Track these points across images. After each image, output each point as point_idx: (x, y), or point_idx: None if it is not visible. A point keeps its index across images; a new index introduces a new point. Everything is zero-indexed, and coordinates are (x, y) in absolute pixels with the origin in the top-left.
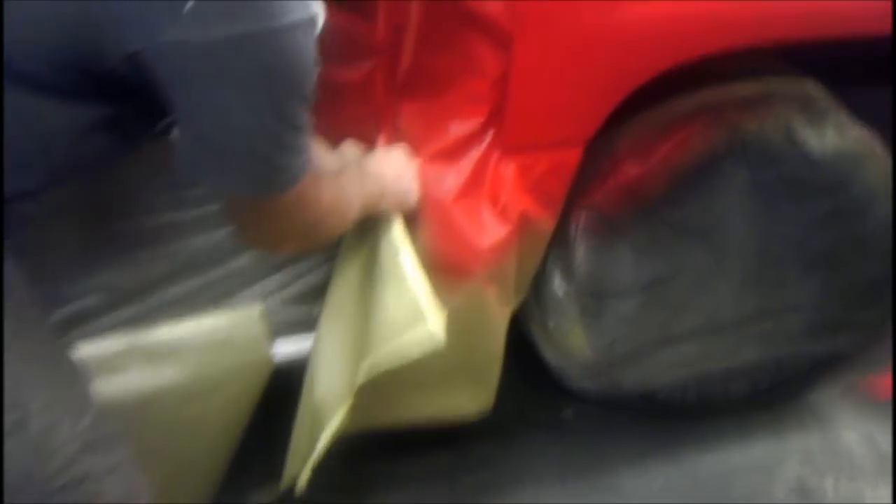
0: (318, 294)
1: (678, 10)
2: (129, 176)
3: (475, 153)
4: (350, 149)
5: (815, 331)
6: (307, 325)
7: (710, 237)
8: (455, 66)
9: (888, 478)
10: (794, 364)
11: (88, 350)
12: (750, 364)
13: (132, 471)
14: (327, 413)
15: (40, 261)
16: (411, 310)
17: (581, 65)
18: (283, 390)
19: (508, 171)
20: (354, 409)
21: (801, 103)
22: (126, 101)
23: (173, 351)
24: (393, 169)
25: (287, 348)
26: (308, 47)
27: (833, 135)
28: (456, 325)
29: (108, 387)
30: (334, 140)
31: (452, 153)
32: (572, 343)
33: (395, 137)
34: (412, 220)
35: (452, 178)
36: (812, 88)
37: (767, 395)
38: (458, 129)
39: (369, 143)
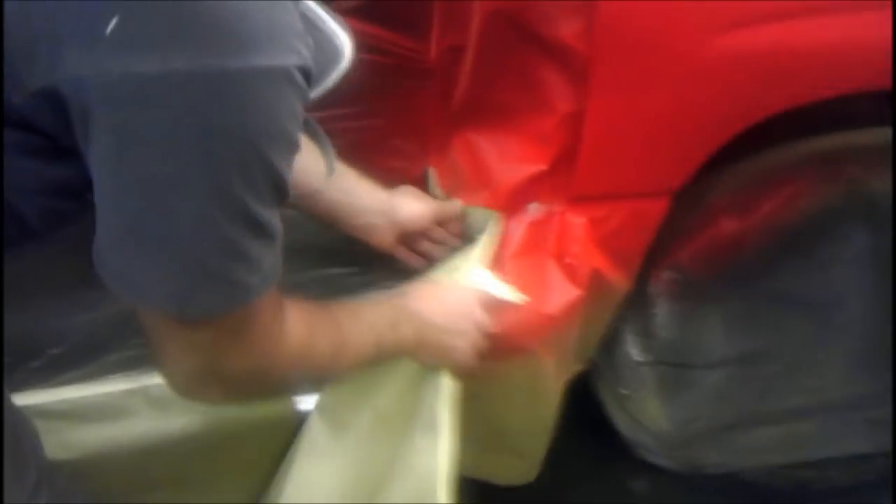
0: None
1: (807, 41)
2: None
3: (538, 202)
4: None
5: None
6: None
7: (818, 310)
8: (518, 97)
9: None
10: None
11: (89, 389)
12: (855, 454)
13: None
14: None
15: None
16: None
17: (674, 103)
18: None
19: (578, 223)
20: None
21: None
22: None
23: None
24: (448, 315)
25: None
26: (279, 107)
27: None
28: (503, 392)
29: (109, 432)
30: (376, 174)
31: (511, 200)
32: (647, 414)
33: (446, 172)
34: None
35: (511, 230)
36: None
37: (873, 491)
38: (520, 171)
39: (415, 174)
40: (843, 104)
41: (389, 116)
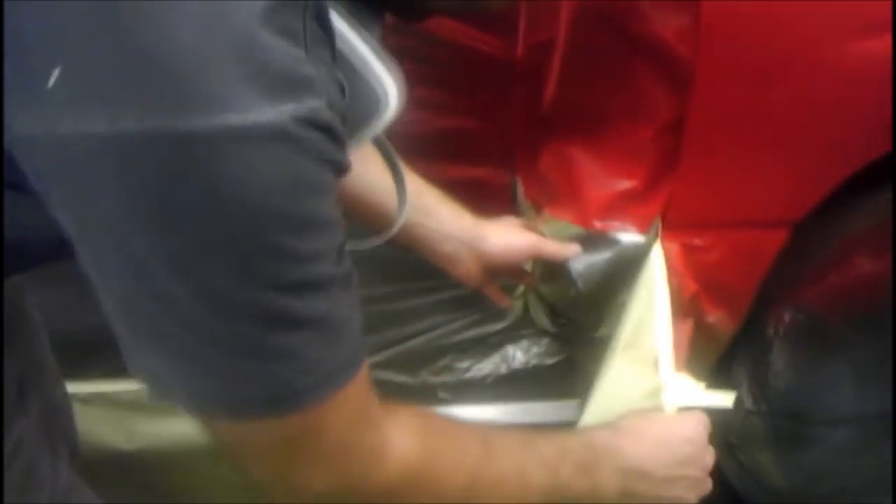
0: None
1: None
2: None
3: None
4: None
5: None
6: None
7: None
8: (611, 102)
9: None
10: None
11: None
12: None
13: None
14: None
15: None
16: None
17: (794, 116)
18: None
19: (673, 250)
20: None
21: None
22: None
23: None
24: (670, 461)
25: None
26: (270, 173)
27: None
28: None
29: (149, 429)
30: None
31: (601, 218)
32: (761, 467)
33: (534, 182)
34: None
35: None
36: None
37: None
38: (612, 186)
39: (501, 184)
40: None
41: (472, 117)
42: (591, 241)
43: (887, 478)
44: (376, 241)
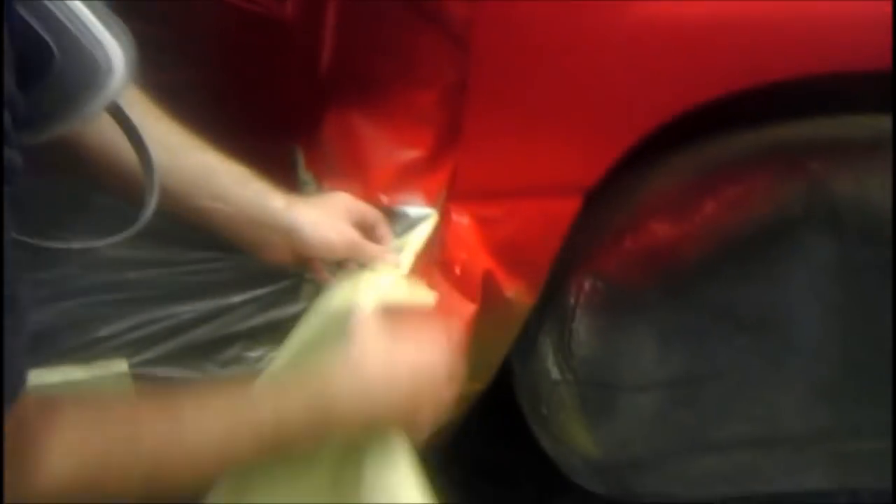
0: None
1: (757, 7)
2: None
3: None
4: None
5: None
6: None
7: (770, 329)
8: (390, 65)
9: None
10: (876, 500)
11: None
12: (813, 491)
13: None
14: None
15: None
16: None
17: (580, 79)
18: None
19: (465, 225)
20: None
21: None
22: None
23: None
24: (395, 403)
25: None
26: None
27: None
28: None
29: None
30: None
31: (388, 191)
32: (572, 436)
33: (316, 153)
34: None
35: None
36: None
37: None
38: (397, 156)
39: (280, 155)
40: (803, 87)
41: (244, 84)
42: None
43: (693, 440)
44: (125, 235)
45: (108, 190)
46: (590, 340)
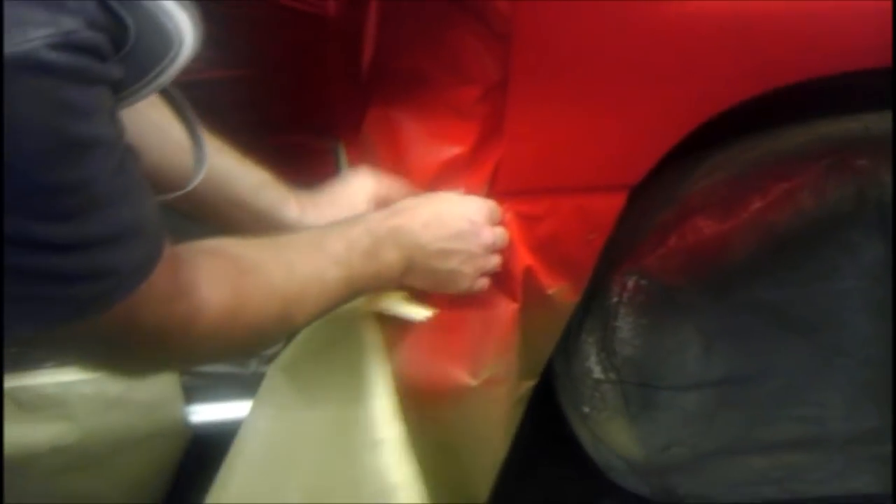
0: None
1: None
2: None
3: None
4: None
5: None
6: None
7: (818, 328)
8: (432, 62)
9: None
10: None
11: None
12: (859, 493)
13: None
14: None
15: None
16: None
17: (623, 76)
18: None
19: (505, 222)
20: None
21: None
22: None
23: (57, 403)
24: (444, 234)
25: (212, 411)
26: (26, 107)
27: None
28: (439, 439)
29: None
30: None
31: (431, 186)
32: (614, 436)
33: (358, 149)
34: None
35: None
36: None
37: None
38: (439, 153)
39: (322, 150)
40: (851, 82)
41: (289, 80)
42: None
43: (738, 441)
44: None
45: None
46: (633, 339)
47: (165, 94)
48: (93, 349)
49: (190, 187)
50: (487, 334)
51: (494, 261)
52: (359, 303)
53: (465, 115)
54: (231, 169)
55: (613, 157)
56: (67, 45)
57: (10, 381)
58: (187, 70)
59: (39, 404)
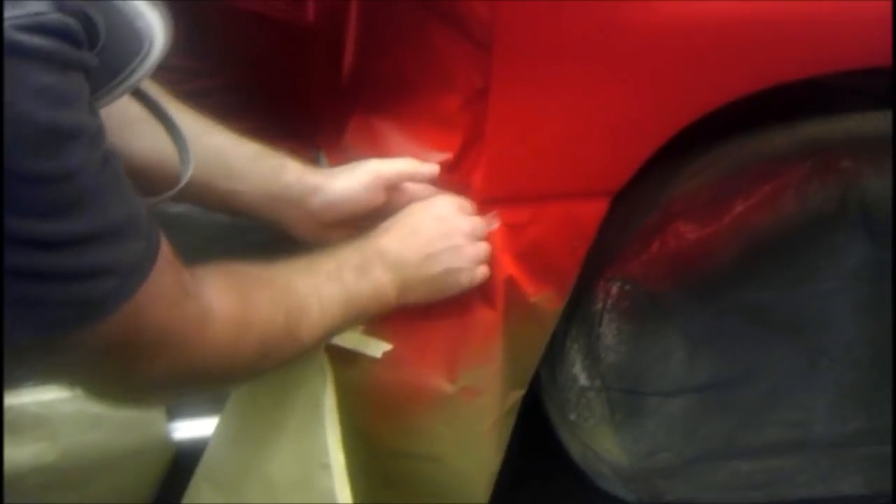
0: None
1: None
2: None
3: None
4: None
5: None
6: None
7: (801, 332)
8: (414, 70)
9: None
10: None
11: None
12: (848, 496)
13: None
14: None
15: None
16: None
17: (605, 82)
18: (187, 481)
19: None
20: None
21: None
22: None
23: (38, 422)
24: (425, 240)
25: (195, 427)
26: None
27: None
28: (428, 449)
29: None
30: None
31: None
32: (600, 443)
33: (340, 156)
34: None
35: None
36: None
37: None
38: (422, 160)
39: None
40: (834, 83)
41: (269, 88)
42: None
43: (724, 446)
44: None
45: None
46: (618, 345)
47: (139, 94)
48: (94, 365)
49: (179, 186)
50: (465, 341)
51: (482, 247)
52: None
53: (447, 122)
54: (224, 144)
55: (595, 163)
56: (37, 26)
57: None
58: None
59: (20, 423)
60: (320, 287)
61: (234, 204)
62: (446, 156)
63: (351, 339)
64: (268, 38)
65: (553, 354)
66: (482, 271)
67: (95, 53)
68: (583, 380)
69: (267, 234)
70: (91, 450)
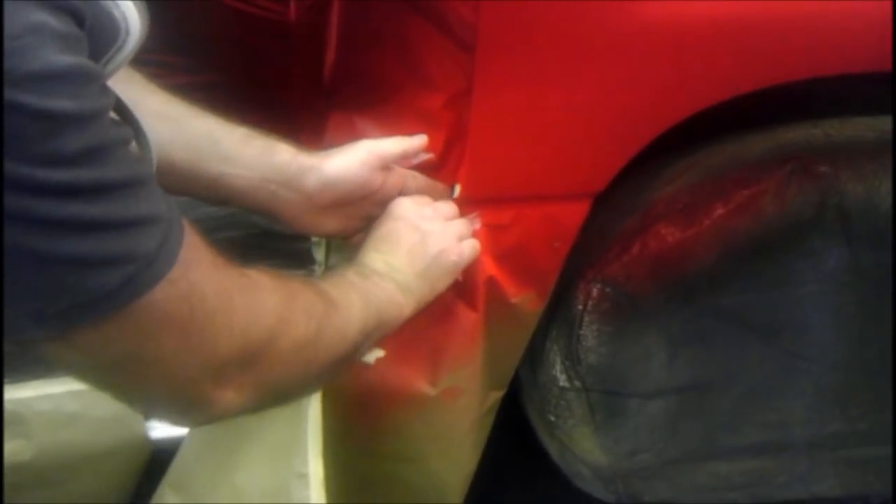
0: None
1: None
2: None
3: None
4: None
5: None
6: None
7: (780, 335)
8: (396, 69)
9: None
10: None
11: None
12: (825, 498)
13: None
14: None
15: None
16: None
17: (587, 84)
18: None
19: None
20: None
21: None
22: None
23: (14, 420)
24: (397, 245)
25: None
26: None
27: None
28: (408, 450)
29: None
30: None
31: None
32: (579, 443)
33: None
34: None
35: None
36: None
37: None
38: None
39: None
40: (812, 88)
41: (249, 86)
42: None
43: (703, 447)
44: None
45: None
46: (598, 347)
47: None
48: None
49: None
50: (447, 344)
51: (458, 223)
52: None
53: (429, 122)
54: (213, 126)
55: (577, 165)
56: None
57: None
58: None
59: None
60: (338, 286)
61: (224, 189)
62: (429, 156)
63: None
64: (249, 35)
65: (533, 355)
66: (469, 245)
67: None
68: (563, 381)
69: (241, 231)
70: (67, 448)
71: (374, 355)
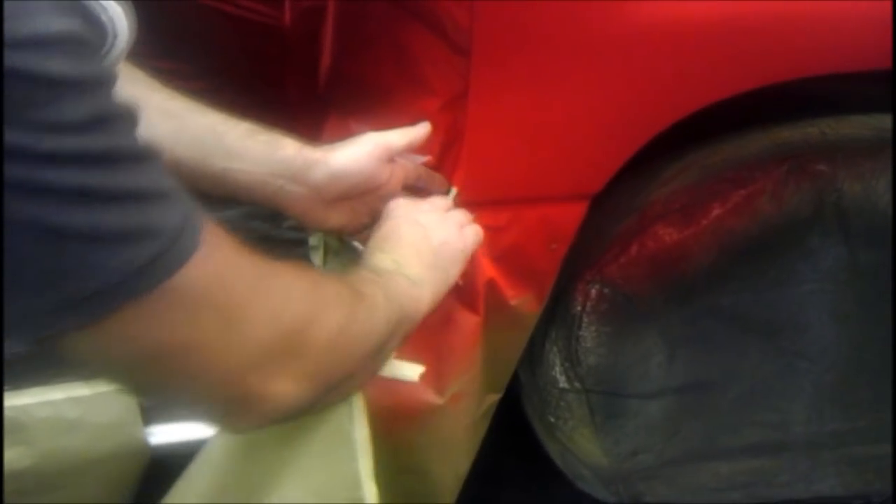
0: None
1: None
2: None
3: None
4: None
5: None
6: None
7: (778, 334)
8: (392, 73)
9: None
10: None
11: None
12: (826, 497)
13: None
14: None
15: None
16: None
17: (583, 86)
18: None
19: None
20: None
21: None
22: None
23: (13, 427)
24: (396, 237)
25: (172, 432)
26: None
27: None
28: (408, 460)
29: None
30: None
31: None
32: (580, 445)
33: None
34: None
35: None
36: None
37: None
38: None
39: None
40: (809, 87)
41: (245, 90)
42: None
43: (703, 448)
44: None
45: None
46: (597, 348)
47: None
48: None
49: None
50: (451, 351)
51: (456, 212)
52: None
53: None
54: (217, 121)
55: (574, 166)
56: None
57: None
58: None
59: None
60: (358, 280)
61: (230, 184)
62: (425, 158)
63: (386, 365)
64: (244, 40)
65: (532, 357)
66: (472, 231)
67: None
68: (562, 382)
69: (237, 236)
70: (67, 455)
71: (417, 371)
